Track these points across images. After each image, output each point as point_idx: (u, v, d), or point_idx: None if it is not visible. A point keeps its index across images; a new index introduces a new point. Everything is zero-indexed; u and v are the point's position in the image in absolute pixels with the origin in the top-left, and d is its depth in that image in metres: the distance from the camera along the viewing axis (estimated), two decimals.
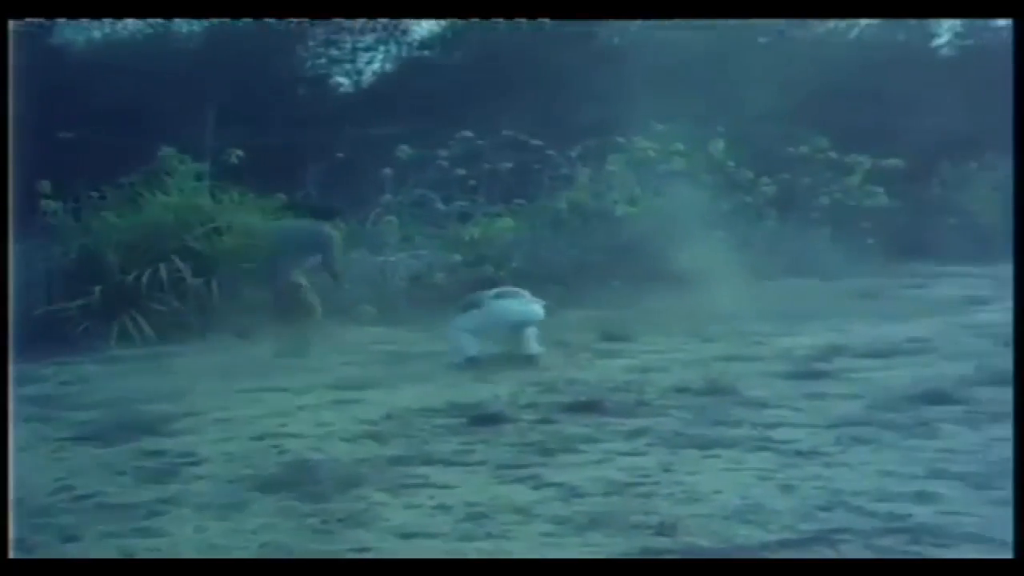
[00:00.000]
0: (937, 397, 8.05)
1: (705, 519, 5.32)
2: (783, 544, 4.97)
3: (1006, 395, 7.98)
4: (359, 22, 24.35)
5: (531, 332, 10.61)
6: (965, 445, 6.76)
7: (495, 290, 11.00)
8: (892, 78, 24.26)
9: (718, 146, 19.13)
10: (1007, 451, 6.56)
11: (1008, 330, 12.03)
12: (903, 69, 25.02)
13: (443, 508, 5.63)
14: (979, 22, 29.70)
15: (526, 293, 10.92)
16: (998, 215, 23.11)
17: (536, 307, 10.72)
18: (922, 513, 5.41)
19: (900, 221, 20.65)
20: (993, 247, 21.60)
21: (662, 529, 5.14)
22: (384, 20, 24.35)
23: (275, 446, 7.22)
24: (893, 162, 20.83)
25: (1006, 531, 5.10)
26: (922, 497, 5.67)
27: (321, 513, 5.57)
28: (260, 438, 7.48)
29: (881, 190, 20.48)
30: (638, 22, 23.95)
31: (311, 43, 24.79)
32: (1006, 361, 9.41)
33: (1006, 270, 19.20)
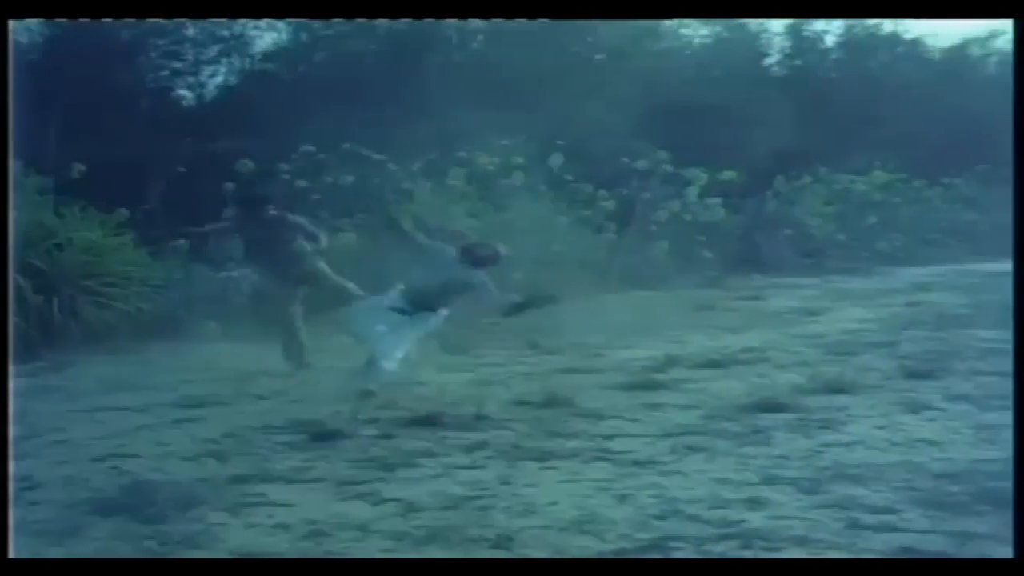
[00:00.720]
0: (770, 405, 8.27)
1: (541, 531, 5.42)
2: (618, 553, 5.09)
3: (836, 402, 8.26)
4: (201, 33, 24.06)
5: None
6: (796, 451, 6.96)
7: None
8: (727, 95, 24.84)
9: (558, 161, 19.36)
10: (837, 456, 6.82)
11: (838, 339, 12.50)
12: (738, 87, 25.66)
13: (282, 527, 5.63)
14: (807, 43, 30.68)
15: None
16: (831, 228, 23.84)
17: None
18: (754, 518, 5.59)
19: (736, 234, 21.15)
20: (826, 259, 22.28)
21: (499, 542, 5.22)
22: (227, 32, 24.11)
23: (114, 467, 7.12)
24: (729, 176, 21.32)
25: (833, 532, 5.32)
26: (754, 503, 5.85)
27: (159, 535, 5.52)
28: (99, 460, 7.38)
29: (718, 203, 20.95)
30: (480, 37, 24.14)
31: (153, 54, 24.39)
32: (836, 370, 9.74)
33: (838, 281, 19.85)
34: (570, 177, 19.17)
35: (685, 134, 21.74)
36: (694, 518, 5.61)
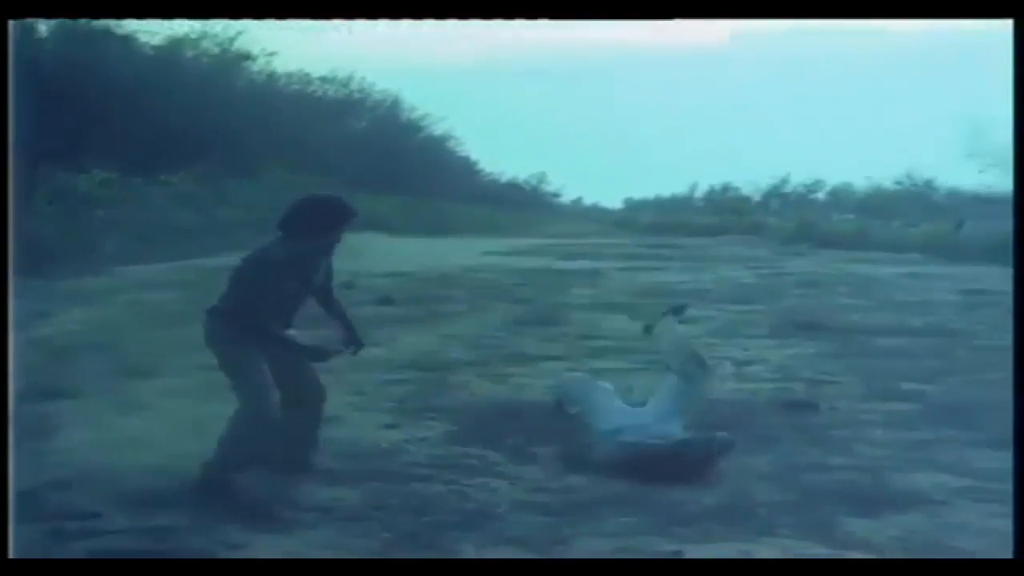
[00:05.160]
0: None
1: None
2: None
3: (52, 408, 8.37)
4: None
5: None
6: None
7: None
8: None
9: None
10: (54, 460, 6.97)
11: (62, 344, 12.52)
12: None
13: None
14: (24, 33, 30.06)
15: None
16: (56, 228, 23.50)
17: None
18: None
19: None
20: (53, 261, 22.00)
21: None
22: None
23: None
24: None
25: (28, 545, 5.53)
26: None
27: None
28: None
29: None
30: None
31: None
32: (56, 376, 9.79)
33: (66, 283, 19.68)
34: None
35: None
36: None
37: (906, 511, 6.31)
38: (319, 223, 6.76)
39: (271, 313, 6.67)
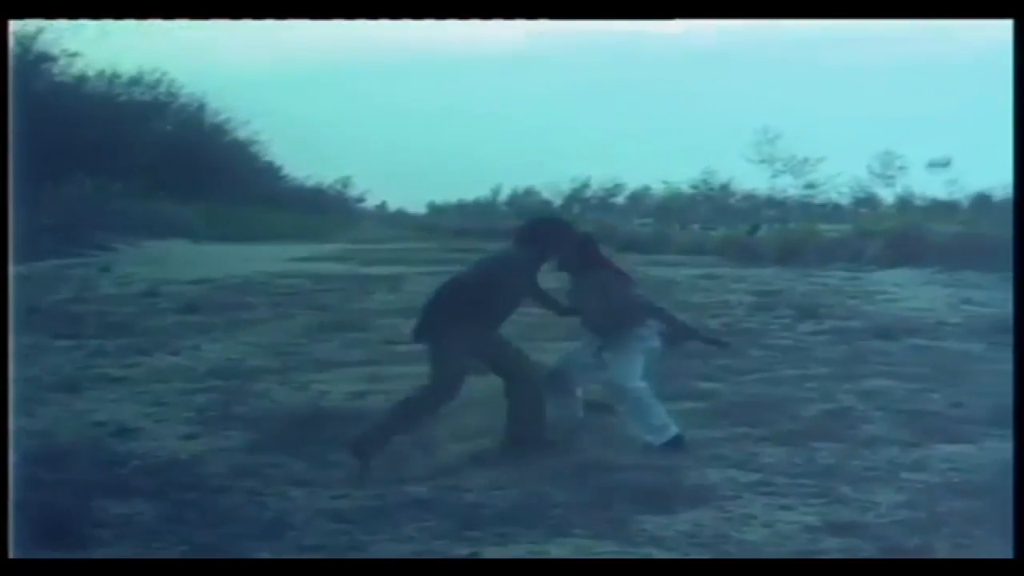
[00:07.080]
0: None
1: None
2: None
3: None
4: None
5: None
6: None
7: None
8: None
9: None
10: None
11: None
12: None
13: None
14: None
15: None
16: None
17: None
18: None
19: None
20: None
21: None
22: None
23: None
24: None
25: None
26: None
27: None
28: None
29: None
30: None
31: None
32: None
33: None
34: None
35: None
36: None
37: (697, 507, 6.48)
38: (556, 239, 8.15)
39: (499, 314, 7.85)
